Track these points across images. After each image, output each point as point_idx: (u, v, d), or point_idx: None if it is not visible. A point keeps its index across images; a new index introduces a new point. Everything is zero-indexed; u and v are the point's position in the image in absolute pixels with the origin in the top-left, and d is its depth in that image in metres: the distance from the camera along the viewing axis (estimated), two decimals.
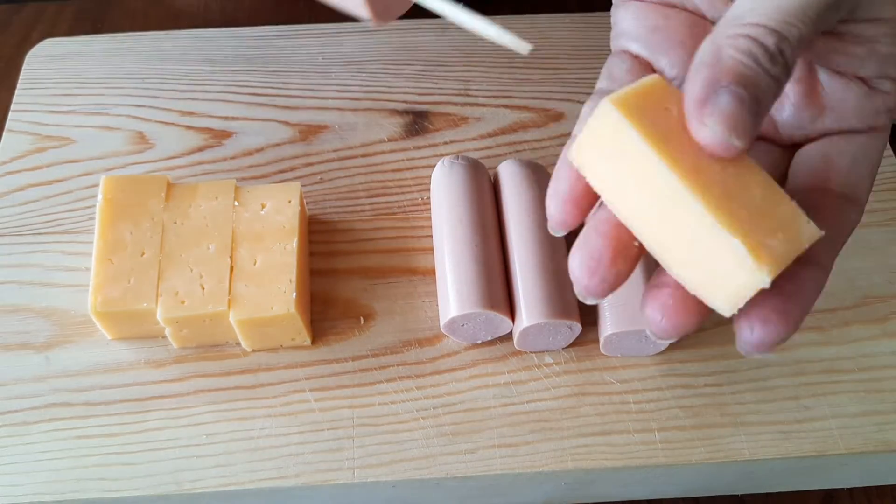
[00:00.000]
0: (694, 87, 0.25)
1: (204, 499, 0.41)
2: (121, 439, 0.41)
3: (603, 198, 0.28)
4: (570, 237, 0.29)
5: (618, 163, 0.27)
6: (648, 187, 0.27)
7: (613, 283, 0.28)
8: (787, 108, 0.31)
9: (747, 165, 0.27)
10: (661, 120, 0.27)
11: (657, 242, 0.28)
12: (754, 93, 0.25)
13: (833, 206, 0.29)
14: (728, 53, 0.25)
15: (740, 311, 0.26)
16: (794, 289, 0.27)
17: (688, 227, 0.26)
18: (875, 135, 0.30)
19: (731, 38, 0.25)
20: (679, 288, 0.27)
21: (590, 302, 0.29)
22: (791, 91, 0.31)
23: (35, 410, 0.42)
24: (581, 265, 0.27)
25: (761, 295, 0.26)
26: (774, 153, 0.32)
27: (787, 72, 0.25)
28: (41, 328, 0.45)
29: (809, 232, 0.27)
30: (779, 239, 0.26)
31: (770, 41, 0.25)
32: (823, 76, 0.31)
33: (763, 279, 0.25)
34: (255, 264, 0.43)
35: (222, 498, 0.41)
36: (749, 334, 0.26)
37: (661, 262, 0.28)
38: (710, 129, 0.25)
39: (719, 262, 0.26)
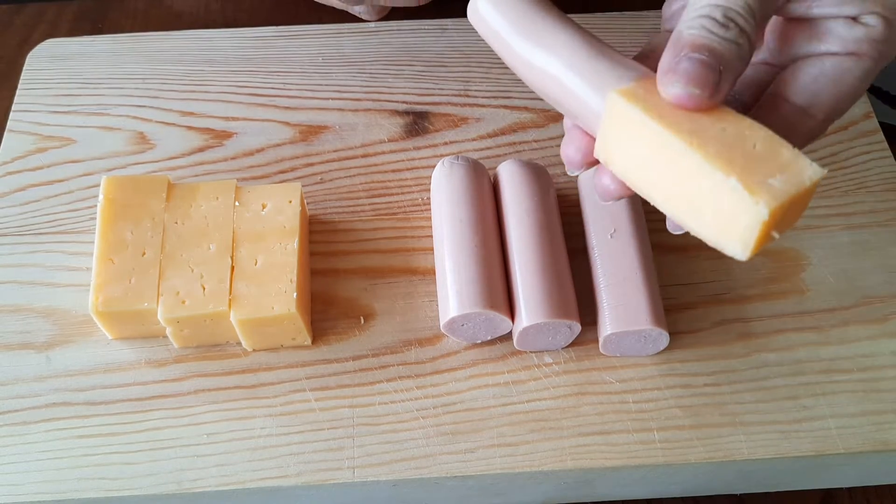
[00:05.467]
0: (662, 63, 0.31)
1: (204, 498, 0.41)
2: (121, 439, 0.41)
3: (626, 180, 0.33)
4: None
5: (631, 143, 0.31)
6: (657, 156, 0.31)
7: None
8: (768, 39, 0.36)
9: (749, 125, 0.30)
10: (663, 102, 0.31)
11: (676, 207, 0.31)
12: (709, 53, 0.30)
13: (782, 111, 0.34)
14: (686, 32, 0.31)
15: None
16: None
17: (694, 181, 0.30)
18: (853, 58, 0.33)
19: (687, 21, 0.31)
20: None
21: (574, 173, 0.37)
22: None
23: (36, 410, 0.42)
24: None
25: None
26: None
27: (744, 33, 0.31)
28: (42, 328, 0.45)
29: (812, 171, 0.29)
30: (778, 178, 0.28)
31: (717, 13, 0.31)
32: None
33: (760, 211, 0.28)
34: (255, 264, 0.43)
35: (223, 497, 0.41)
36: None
37: (683, 225, 0.31)
38: (674, 86, 0.30)
39: (724, 206, 0.29)
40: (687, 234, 0.31)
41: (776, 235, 0.29)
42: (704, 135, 0.30)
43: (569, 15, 0.35)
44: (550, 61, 0.34)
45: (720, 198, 0.29)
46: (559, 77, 0.33)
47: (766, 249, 0.48)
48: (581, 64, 0.33)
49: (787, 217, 0.29)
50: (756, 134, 0.30)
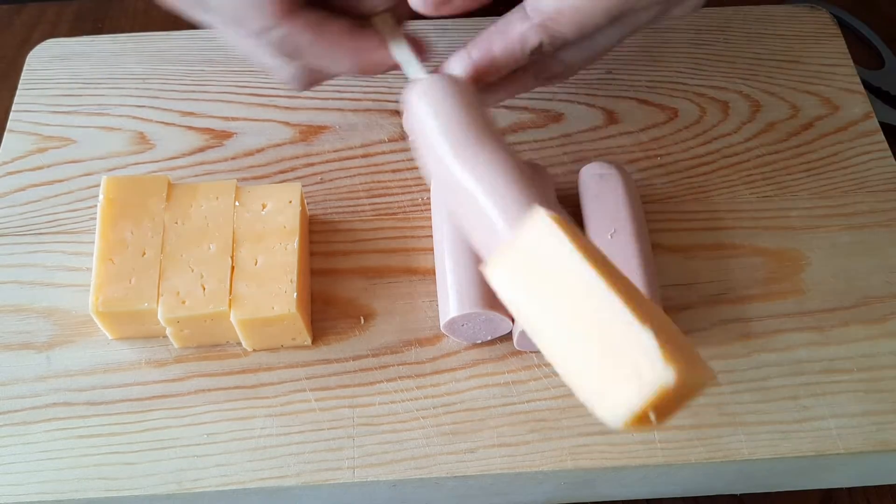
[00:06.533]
0: None
1: (205, 498, 0.41)
2: (122, 439, 0.41)
3: (512, 303, 0.30)
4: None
5: (539, 268, 0.29)
6: (566, 284, 0.28)
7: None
8: None
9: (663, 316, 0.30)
10: (582, 238, 0.29)
11: (558, 343, 0.29)
12: None
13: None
14: None
15: None
16: None
17: (601, 319, 0.27)
18: None
19: None
20: None
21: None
22: None
23: (36, 410, 0.42)
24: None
25: None
26: None
27: None
28: (42, 328, 0.45)
29: (709, 374, 0.28)
30: (682, 350, 0.27)
31: None
32: None
33: (669, 376, 0.25)
34: (255, 264, 0.43)
35: (223, 497, 0.41)
36: None
37: (555, 365, 0.29)
38: None
39: (628, 357, 0.26)
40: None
41: (653, 419, 0.26)
42: (620, 284, 0.28)
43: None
44: (470, 171, 0.34)
45: (626, 345, 0.26)
46: (472, 189, 0.33)
47: (765, 249, 0.48)
48: (499, 188, 0.33)
49: (667, 404, 0.26)
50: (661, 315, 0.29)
